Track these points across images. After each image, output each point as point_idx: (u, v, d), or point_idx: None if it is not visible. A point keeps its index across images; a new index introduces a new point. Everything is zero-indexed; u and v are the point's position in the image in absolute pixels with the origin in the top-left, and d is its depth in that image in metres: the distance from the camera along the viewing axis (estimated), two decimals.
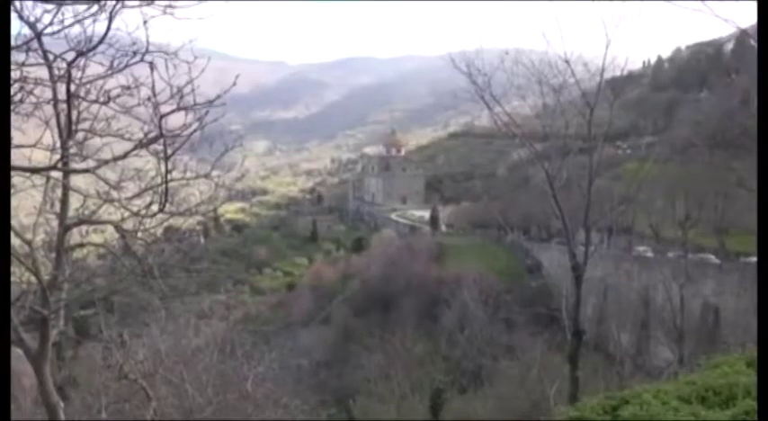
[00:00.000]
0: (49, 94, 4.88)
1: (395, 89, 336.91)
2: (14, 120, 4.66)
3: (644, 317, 36.50)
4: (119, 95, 5.12)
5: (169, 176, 5.27)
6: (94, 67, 5.10)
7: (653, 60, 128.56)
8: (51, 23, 4.75)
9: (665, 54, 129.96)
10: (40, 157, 5.20)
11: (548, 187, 11.20)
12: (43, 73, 4.80)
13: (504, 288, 45.41)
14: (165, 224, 6.15)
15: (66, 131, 5.18)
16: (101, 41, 4.88)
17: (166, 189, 5.31)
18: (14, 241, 4.94)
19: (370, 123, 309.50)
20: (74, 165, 5.23)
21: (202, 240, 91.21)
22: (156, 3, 4.75)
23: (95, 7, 4.77)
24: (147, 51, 4.92)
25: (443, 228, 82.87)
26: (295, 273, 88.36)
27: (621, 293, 39.47)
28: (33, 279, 5.49)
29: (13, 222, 4.57)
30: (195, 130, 5.25)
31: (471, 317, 40.31)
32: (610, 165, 53.17)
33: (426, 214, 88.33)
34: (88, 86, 5.05)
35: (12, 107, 4.46)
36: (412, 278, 54.12)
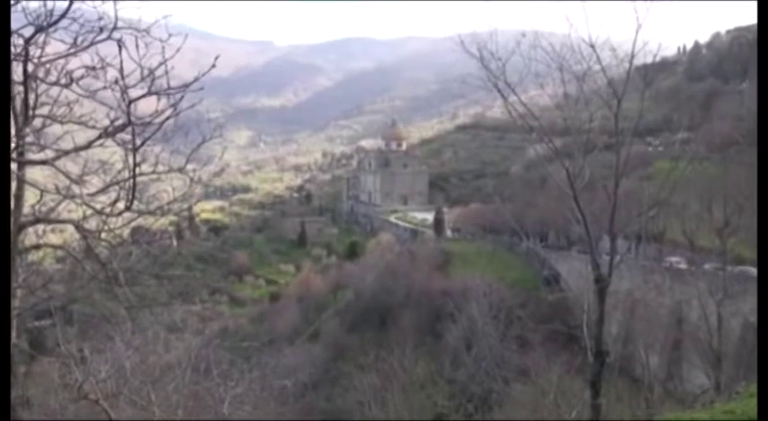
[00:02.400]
0: None
1: (395, 75, 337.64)
2: None
3: (676, 337, 36.54)
4: (82, 77, 5.12)
5: (138, 170, 5.26)
6: (55, 45, 5.09)
7: (689, 46, 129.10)
8: None
9: (703, 39, 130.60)
10: None
11: (568, 188, 11.21)
12: None
13: (518, 302, 45.38)
14: (133, 224, 6.14)
15: (23, 117, 5.17)
16: (63, 16, 4.87)
17: (134, 184, 5.30)
18: None
19: (368, 113, 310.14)
20: (30, 156, 5.22)
21: (175, 243, 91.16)
22: None
23: None
24: (115, 28, 4.91)
25: (449, 232, 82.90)
26: (280, 282, 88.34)
27: (651, 310, 39.51)
28: None
29: None
30: (168, 118, 5.25)
31: (480, 334, 40.29)
32: (639, 163, 53.30)
33: (430, 217, 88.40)
34: (48, 66, 5.04)
35: None
36: (413, 289, 54.09)
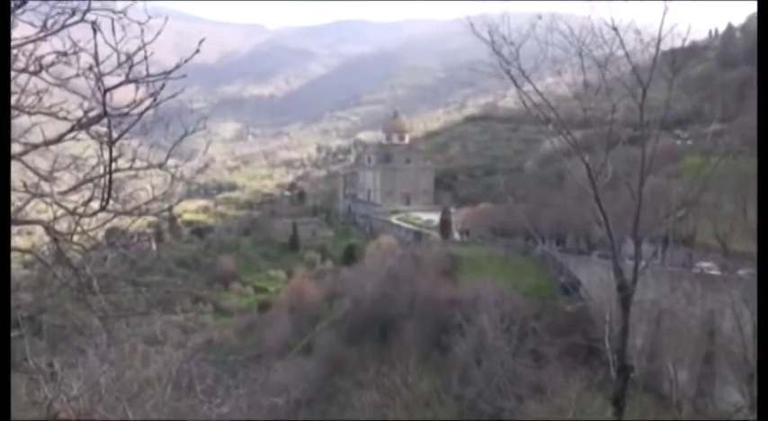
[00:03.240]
0: None
1: (397, 61, 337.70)
2: None
3: (707, 351, 36.51)
4: (53, 63, 5.12)
5: (114, 166, 5.26)
6: (23, 28, 5.09)
7: (722, 29, 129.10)
8: None
9: (737, 21, 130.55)
10: None
11: (588, 186, 11.22)
12: None
13: (532, 312, 45.35)
14: (108, 225, 6.15)
15: None
16: None
17: (110, 181, 5.30)
18: None
19: (366, 103, 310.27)
20: None
21: (154, 246, 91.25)
22: None
23: None
24: (88, 9, 4.92)
25: (456, 235, 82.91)
26: (269, 290, 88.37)
27: (679, 320, 39.45)
28: None
29: None
30: (148, 108, 5.25)
31: (490, 347, 40.28)
32: (666, 159, 53.38)
33: (435, 217, 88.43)
34: (15, 52, 5.04)
35: None
36: (417, 297, 54.07)
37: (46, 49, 5.12)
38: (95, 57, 4.88)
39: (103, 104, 4.99)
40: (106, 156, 5.24)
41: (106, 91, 4.94)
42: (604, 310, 14.20)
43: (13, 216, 5.81)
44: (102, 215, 5.64)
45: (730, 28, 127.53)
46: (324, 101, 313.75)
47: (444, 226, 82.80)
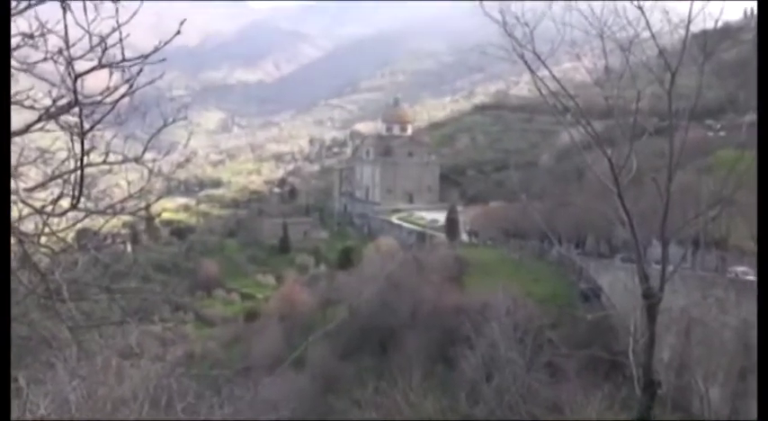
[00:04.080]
0: None
1: (398, 44, 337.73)
2: None
3: (742, 365, 36.51)
4: (18, 46, 5.12)
5: (86, 160, 5.27)
6: None
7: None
8: None
9: None
10: None
11: (611, 182, 11.23)
12: None
13: (549, 321, 45.38)
14: (79, 226, 6.15)
15: None
16: None
17: (82, 177, 5.31)
18: None
19: (364, 90, 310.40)
20: None
21: (130, 249, 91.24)
22: None
23: None
24: None
25: (464, 236, 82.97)
26: (257, 297, 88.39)
27: (711, 331, 39.50)
28: None
29: None
30: (123, 96, 5.26)
31: (502, 361, 40.26)
32: (697, 152, 53.44)
33: (441, 217, 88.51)
34: None
35: None
36: (420, 306, 54.09)
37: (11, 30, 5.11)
38: (65, 39, 4.88)
39: (74, 92, 4.99)
40: (77, 148, 5.24)
41: (77, 77, 4.94)
42: (628, 320, 14.23)
43: None
44: (72, 214, 5.64)
45: None
46: (317, 88, 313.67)
47: (451, 226, 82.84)
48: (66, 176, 5.55)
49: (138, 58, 5.15)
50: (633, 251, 12.73)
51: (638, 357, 11.96)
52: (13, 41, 5.05)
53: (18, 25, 5.05)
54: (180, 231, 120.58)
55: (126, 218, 7.46)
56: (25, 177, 5.76)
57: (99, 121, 5.37)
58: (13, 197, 5.50)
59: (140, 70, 5.19)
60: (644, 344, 11.73)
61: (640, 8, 10.71)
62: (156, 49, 5.22)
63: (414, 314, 53.79)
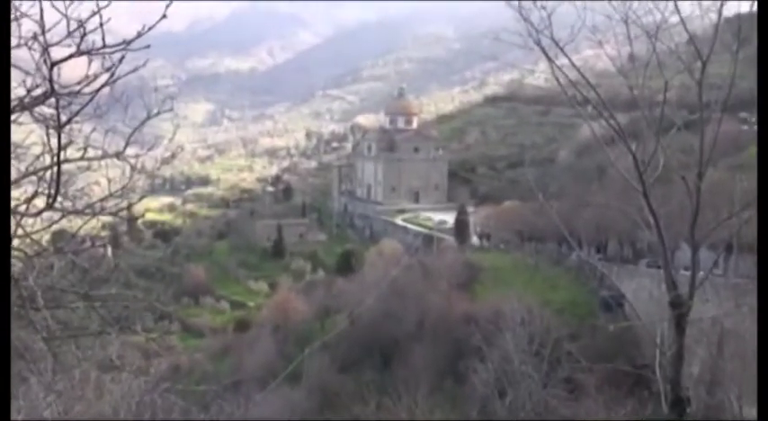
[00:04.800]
0: None
1: (403, 29, 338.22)
2: None
3: None
4: None
5: (63, 155, 5.28)
6: None
7: None
8: None
9: None
10: None
11: (635, 181, 11.21)
12: None
13: (567, 332, 45.32)
14: (55, 227, 6.16)
15: None
16: None
17: (59, 174, 5.32)
18: None
19: (366, 79, 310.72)
20: None
21: (110, 252, 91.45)
22: None
23: None
24: None
25: (475, 239, 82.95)
26: (249, 305, 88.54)
27: (745, 342, 39.31)
28: None
29: None
30: (103, 86, 5.26)
31: (516, 375, 40.28)
32: (730, 147, 53.34)
33: (450, 218, 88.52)
34: None
35: None
36: (427, 315, 54.13)
37: None
38: (41, 24, 4.89)
39: (50, 81, 4.99)
40: (53, 143, 5.25)
41: (53, 65, 4.95)
42: (654, 331, 14.19)
43: None
44: (47, 215, 5.64)
45: None
46: (315, 77, 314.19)
47: (460, 228, 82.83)
48: (41, 173, 5.56)
49: (120, 44, 5.16)
50: (660, 256, 12.71)
51: (665, 371, 11.93)
52: None
53: None
54: (165, 233, 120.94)
55: (106, 218, 7.46)
56: None
57: (77, 113, 5.37)
58: None
59: (122, 58, 5.19)
60: (672, 357, 11.71)
61: None
62: (140, 35, 5.22)
63: (420, 324, 53.84)
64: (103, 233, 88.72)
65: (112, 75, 5.21)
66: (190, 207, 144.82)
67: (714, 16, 10.94)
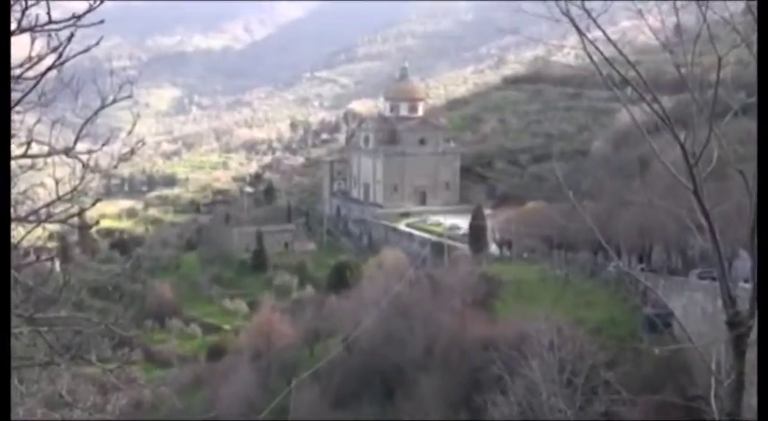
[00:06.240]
0: None
1: None
2: None
3: None
4: None
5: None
6: None
7: None
8: None
9: None
10: None
11: (684, 176, 11.20)
12: None
13: (605, 357, 45.31)
14: None
15: None
16: None
17: None
18: None
19: (362, 58, 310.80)
20: None
21: (58, 267, 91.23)
22: None
23: None
24: None
25: (494, 247, 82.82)
26: (225, 329, 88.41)
27: None
28: None
29: None
30: (50, 69, 5.27)
31: (545, 409, 40.26)
32: None
33: (463, 223, 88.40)
34: None
35: None
36: (437, 339, 54.01)
37: None
38: None
39: None
40: None
41: None
42: (709, 355, 14.19)
43: None
44: None
45: None
46: (301, 57, 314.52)
47: (476, 234, 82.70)
48: None
49: (69, 19, 5.16)
50: (715, 265, 12.70)
51: (722, 403, 11.90)
52: None
53: None
54: (123, 244, 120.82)
55: (54, 227, 7.47)
56: None
57: (19, 102, 5.38)
58: None
59: (71, 35, 5.20)
60: (730, 386, 11.69)
61: None
62: (91, 9, 5.23)
63: (428, 349, 53.74)
64: (51, 244, 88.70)
65: (60, 55, 5.22)
66: (153, 212, 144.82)
67: None
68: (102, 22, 5.27)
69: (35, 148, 5.88)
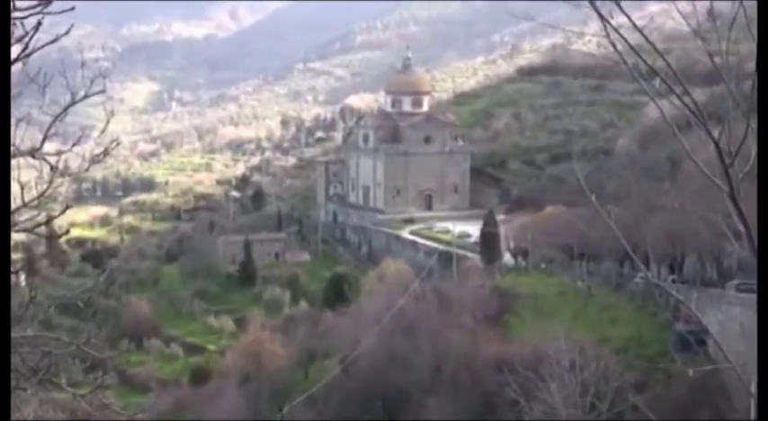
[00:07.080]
0: None
1: None
2: None
3: None
4: None
5: None
6: None
7: None
8: None
9: None
10: None
11: (719, 177, 11.19)
12: None
13: (632, 378, 45.30)
14: None
15: None
16: None
17: None
18: None
19: (360, 48, 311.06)
20: None
21: (23, 281, 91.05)
22: None
23: None
24: None
25: (508, 257, 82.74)
26: (209, 349, 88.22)
27: None
28: None
29: None
30: (14, 61, 5.28)
31: None
32: None
33: (474, 230, 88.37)
34: None
35: None
36: (445, 359, 53.98)
37: None
38: None
39: None
40: None
41: None
42: (748, 375, 14.19)
43: None
44: None
45: None
46: (292, 46, 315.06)
47: (488, 243, 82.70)
48: None
49: (35, 6, 5.18)
50: (754, 277, 12.69)
51: None
52: None
53: None
54: (96, 255, 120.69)
55: (18, 236, 7.48)
56: None
57: None
58: None
59: (38, 24, 5.21)
60: None
61: None
62: None
63: (436, 370, 53.73)
64: (15, 255, 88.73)
65: (26, 46, 5.23)
66: (129, 219, 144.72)
67: None
68: (72, 8, 5.30)
69: None
